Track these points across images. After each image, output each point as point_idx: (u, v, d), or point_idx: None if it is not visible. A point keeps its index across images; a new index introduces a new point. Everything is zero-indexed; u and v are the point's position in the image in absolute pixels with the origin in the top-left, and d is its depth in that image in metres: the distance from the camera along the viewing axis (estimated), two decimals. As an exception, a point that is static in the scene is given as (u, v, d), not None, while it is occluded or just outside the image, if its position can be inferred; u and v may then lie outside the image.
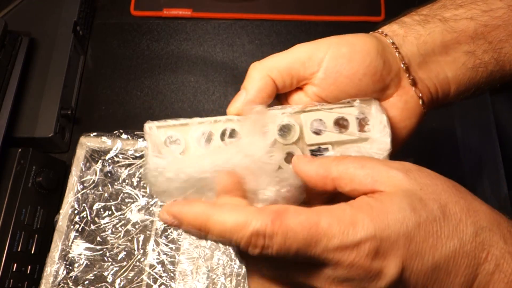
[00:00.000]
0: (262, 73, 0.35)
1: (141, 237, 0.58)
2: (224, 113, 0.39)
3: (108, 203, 0.60)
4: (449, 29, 0.37)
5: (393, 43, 0.37)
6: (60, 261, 0.57)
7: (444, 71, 0.38)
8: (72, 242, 0.58)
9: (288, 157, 0.35)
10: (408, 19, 0.38)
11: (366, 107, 0.36)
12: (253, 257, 0.28)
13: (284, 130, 0.35)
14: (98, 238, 0.59)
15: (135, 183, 0.61)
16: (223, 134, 0.35)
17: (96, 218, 0.59)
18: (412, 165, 0.30)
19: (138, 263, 0.57)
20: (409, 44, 0.37)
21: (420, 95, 0.37)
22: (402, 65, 0.37)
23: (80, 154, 0.62)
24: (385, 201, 0.28)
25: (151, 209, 0.60)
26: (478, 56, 0.37)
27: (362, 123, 0.36)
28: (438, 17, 0.38)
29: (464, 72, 0.38)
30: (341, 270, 0.27)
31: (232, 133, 0.35)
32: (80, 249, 0.58)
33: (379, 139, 0.36)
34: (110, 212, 0.60)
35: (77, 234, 0.59)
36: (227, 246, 0.57)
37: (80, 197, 0.60)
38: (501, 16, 0.37)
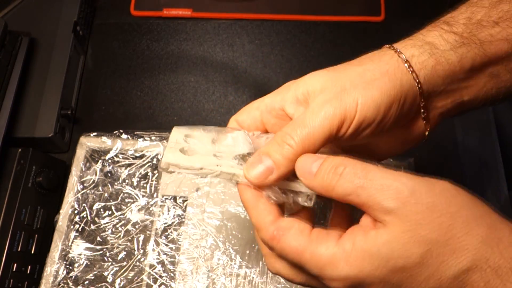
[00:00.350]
0: (299, 154, 0.33)
1: (141, 237, 0.58)
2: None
3: (108, 203, 0.60)
4: (482, 53, 0.35)
5: (418, 83, 0.34)
6: (60, 261, 0.57)
7: (462, 96, 0.36)
8: (72, 242, 0.58)
9: None
10: (442, 41, 0.35)
11: None
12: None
13: None
14: (98, 238, 0.59)
15: (135, 183, 0.61)
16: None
17: (96, 218, 0.59)
18: (411, 194, 0.29)
19: (138, 263, 0.57)
20: (436, 77, 0.35)
21: (428, 129, 0.36)
22: (420, 104, 0.35)
23: (80, 154, 0.62)
24: (369, 242, 0.30)
25: (151, 209, 0.60)
26: (501, 77, 0.36)
27: None
28: (474, 39, 0.35)
29: (483, 94, 0.36)
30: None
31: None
32: (80, 249, 0.58)
33: None
34: (110, 212, 0.60)
35: (77, 234, 0.59)
36: (227, 246, 0.57)
37: (80, 197, 0.60)
38: None
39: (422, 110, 0.35)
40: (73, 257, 0.58)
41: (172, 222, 0.59)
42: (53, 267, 0.57)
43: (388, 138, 0.36)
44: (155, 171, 0.62)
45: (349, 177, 0.31)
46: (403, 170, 0.31)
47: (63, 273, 0.57)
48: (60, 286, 0.56)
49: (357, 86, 0.33)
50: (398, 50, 0.34)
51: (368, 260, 0.29)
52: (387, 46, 0.36)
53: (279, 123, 0.37)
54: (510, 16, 0.36)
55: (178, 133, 0.36)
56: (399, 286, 0.30)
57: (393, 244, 0.29)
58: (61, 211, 0.59)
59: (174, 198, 0.60)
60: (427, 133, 0.37)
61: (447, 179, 0.31)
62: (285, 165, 0.33)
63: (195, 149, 0.35)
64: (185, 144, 0.35)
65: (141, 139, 0.63)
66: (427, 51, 0.34)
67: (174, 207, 0.59)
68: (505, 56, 0.35)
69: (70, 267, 0.57)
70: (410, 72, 0.34)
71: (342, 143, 0.34)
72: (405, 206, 0.29)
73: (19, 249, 0.55)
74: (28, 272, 0.56)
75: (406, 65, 0.34)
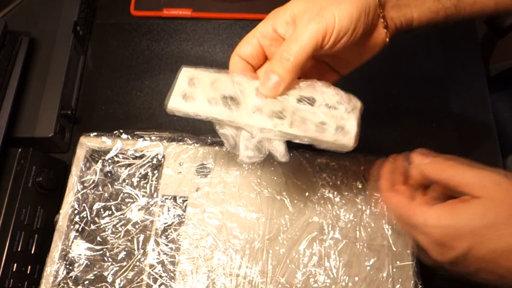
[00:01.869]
0: (296, 65, 0.41)
1: (141, 237, 0.58)
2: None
3: (108, 203, 0.60)
4: None
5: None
6: (60, 261, 0.57)
7: (411, 12, 0.44)
8: (72, 242, 0.58)
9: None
10: None
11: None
12: None
13: None
14: (98, 238, 0.59)
15: (135, 183, 0.61)
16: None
17: (96, 218, 0.59)
18: (498, 188, 0.39)
19: (138, 263, 0.57)
20: None
21: (388, 36, 0.44)
22: (380, 14, 0.43)
23: (80, 154, 0.62)
24: (468, 206, 0.39)
25: (151, 209, 0.60)
26: (442, 2, 0.44)
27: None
28: None
29: (427, 14, 0.44)
30: (425, 237, 0.41)
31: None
32: (80, 249, 0.58)
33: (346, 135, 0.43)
34: (110, 212, 0.60)
35: (77, 234, 0.59)
36: (227, 246, 0.57)
37: (80, 197, 0.60)
38: None
39: (382, 20, 0.43)
40: (73, 257, 0.58)
41: (172, 222, 0.59)
42: (53, 267, 0.57)
43: (358, 47, 0.44)
44: (155, 171, 0.62)
45: (455, 169, 0.42)
46: None
47: (63, 273, 0.57)
48: (60, 286, 0.56)
49: (333, 3, 0.41)
50: None
51: (465, 216, 0.40)
52: None
53: (274, 44, 0.45)
54: None
55: (184, 75, 0.48)
56: (484, 238, 0.39)
57: (486, 207, 0.39)
58: (61, 211, 0.59)
59: (174, 198, 0.60)
60: (387, 39, 0.44)
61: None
62: (288, 77, 0.42)
63: (195, 95, 0.45)
64: (188, 89, 0.46)
65: (141, 139, 0.63)
66: None
67: (174, 207, 0.59)
68: None
69: (70, 267, 0.57)
70: None
71: (323, 53, 0.42)
72: (500, 185, 0.40)
73: (19, 249, 0.55)
74: (28, 272, 0.56)
75: None
